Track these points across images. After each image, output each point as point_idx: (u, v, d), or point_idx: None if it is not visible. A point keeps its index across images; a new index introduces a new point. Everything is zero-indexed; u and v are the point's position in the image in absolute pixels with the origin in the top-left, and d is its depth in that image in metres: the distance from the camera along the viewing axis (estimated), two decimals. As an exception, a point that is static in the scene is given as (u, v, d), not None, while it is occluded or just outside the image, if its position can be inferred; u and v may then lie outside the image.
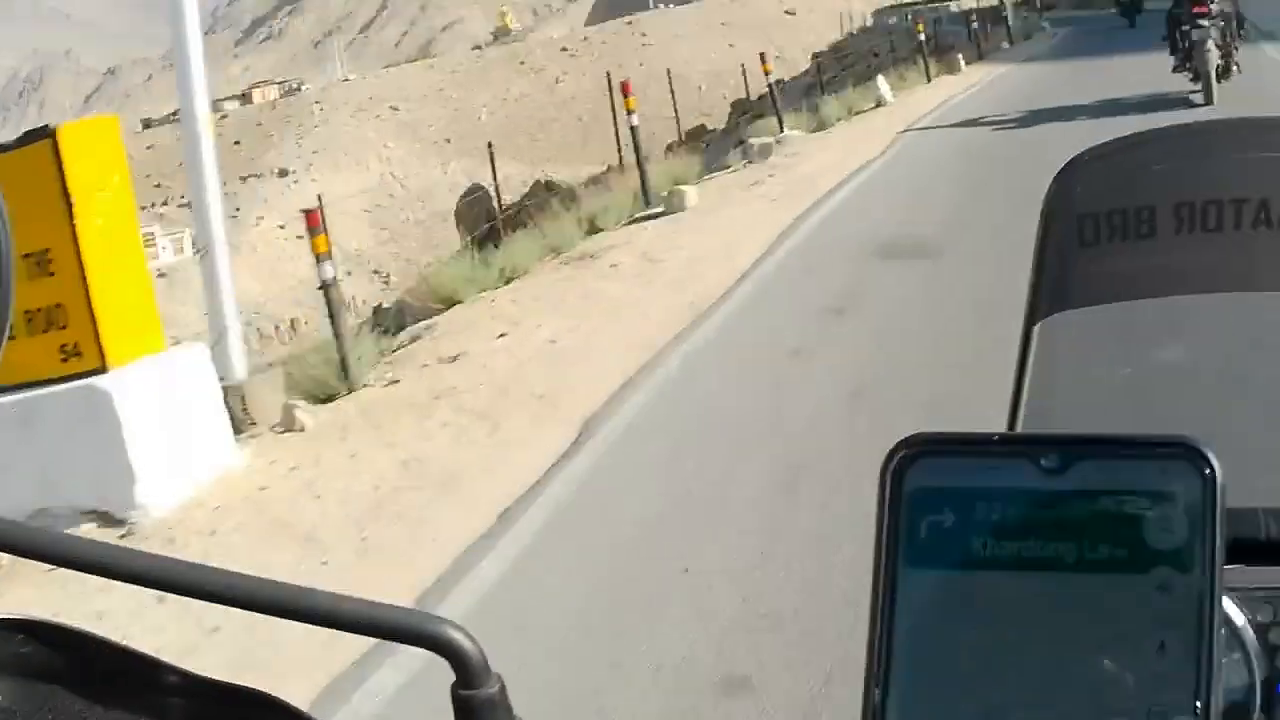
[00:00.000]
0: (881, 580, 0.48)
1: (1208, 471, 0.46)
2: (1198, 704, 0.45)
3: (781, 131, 16.81)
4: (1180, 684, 0.45)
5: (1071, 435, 0.48)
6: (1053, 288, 0.91)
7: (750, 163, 15.13)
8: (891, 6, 57.26)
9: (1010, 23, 32.01)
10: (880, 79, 20.64)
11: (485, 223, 15.66)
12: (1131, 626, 0.46)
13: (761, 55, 18.09)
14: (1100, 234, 0.90)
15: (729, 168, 15.41)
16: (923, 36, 23.43)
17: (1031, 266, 0.92)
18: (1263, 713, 0.75)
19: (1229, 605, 0.76)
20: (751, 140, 16.21)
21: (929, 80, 22.22)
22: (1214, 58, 12.53)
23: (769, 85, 17.91)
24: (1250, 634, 0.76)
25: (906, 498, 0.48)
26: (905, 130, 15.80)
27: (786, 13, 63.68)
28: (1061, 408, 0.89)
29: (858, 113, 18.84)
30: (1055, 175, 0.93)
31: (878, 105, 19.33)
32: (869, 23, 54.82)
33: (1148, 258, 0.90)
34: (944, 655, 0.47)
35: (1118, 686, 0.46)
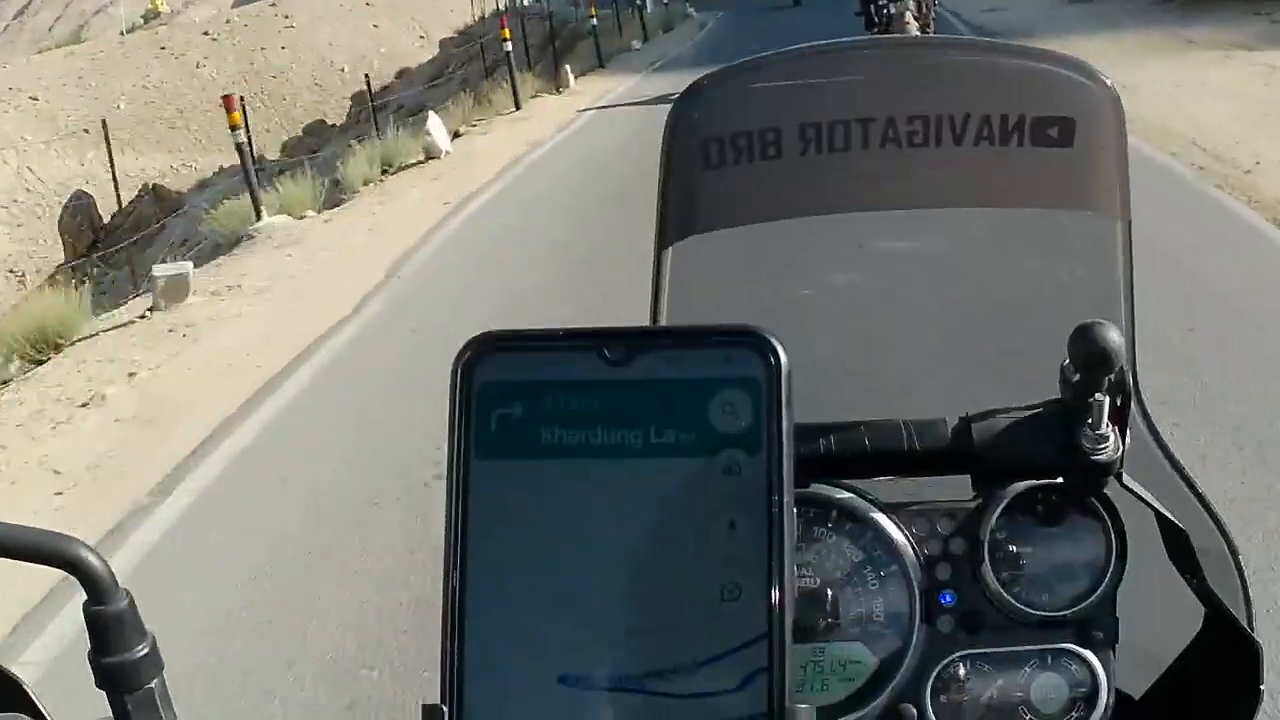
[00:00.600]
0: (455, 474, 0.48)
1: (772, 359, 0.48)
2: (770, 577, 0.47)
3: (257, 220, 10.10)
4: (752, 561, 0.47)
5: (636, 328, 0.49)
6: (680, 212, 0.91)
7: (143, 317, 7.62)
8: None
9: (646, 10, 26.33)
10: (433, 119, 13.41)
11: (90, 235, 14.40)
12: (701, 508, 0.47)
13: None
14: (726, 157, 0.90)
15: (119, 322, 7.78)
16: (509, 46, 15.96)
17: (658, 192, 0.92)
18: (924, 622, 0.80)
19: (884, 521, 0.80)
20: (158, 276, 7.95)
21: (518, 106, 15.89)
22: (914, 29, 12.65)
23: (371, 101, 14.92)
24: (908, 547, 0.80)
25: (476, 392, 0.49)
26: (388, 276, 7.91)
27: (431, -11, 61.16)
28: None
29: (403, 167, 12.51)
30: (677, 99, 0.92)
31: (426, 159, 12.78)
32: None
33: (775, 179, 0.91)
34: (518, 542, 0.48)
35: (690, 565, 0.47)
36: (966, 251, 0.94)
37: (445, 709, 0.47)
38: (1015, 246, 0.93)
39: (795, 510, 0.80)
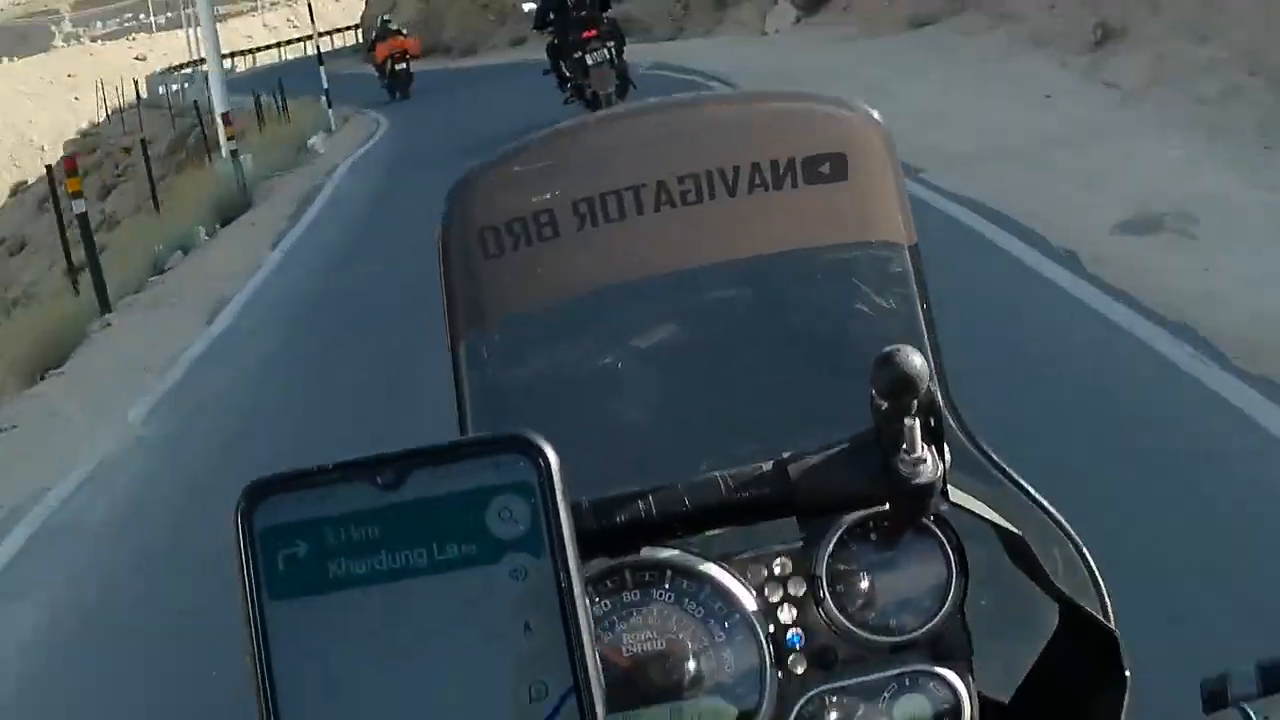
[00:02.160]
0: (252, 619, 0.48)
1: (540, 459, 0.49)
2: (574, 670, 0.47)
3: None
4: (553, 657, 0.48)
5: (404, 451, 0.50)
6: (467, 304, 0.91)
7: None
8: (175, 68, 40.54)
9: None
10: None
11: None
12: (494, 615, 0.48)
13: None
14: (504, 244, 0.90)
15: None
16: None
17: (442, 288, 0.91)
18: (775, 666, 0.79)
19: (719, 573, 0.80)
20: None
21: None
22: (612, 78, 12.84)
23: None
24: (747, 595, 0.80)
25: (258, 537, 0.49)
26: None
27: (137, 59, 56.29)
28: (501, 420, 0.90)
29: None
30: (447, 195, 0.92)
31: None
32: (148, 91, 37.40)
33: (557, 258, 0.91)
34: (322, 677, 0.48)
35: (494, 674, 0.48)
36: (764, 295, 0.95)
37: None
38: (810, 285, 0.93)
39: (629, 575, 0.80)
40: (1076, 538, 0.90)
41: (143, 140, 21.01)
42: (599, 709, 0.47)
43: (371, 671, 0.48)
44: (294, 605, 0.48)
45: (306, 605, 0.48)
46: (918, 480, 0.74)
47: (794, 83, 11.59)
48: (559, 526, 0.48)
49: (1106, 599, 0.89)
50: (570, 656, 0.47)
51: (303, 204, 14.36)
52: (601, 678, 0.49)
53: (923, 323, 0.88)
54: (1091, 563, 0.90)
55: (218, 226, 14.27)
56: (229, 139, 16.81)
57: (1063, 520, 0.90)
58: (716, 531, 0.80)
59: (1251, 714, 0.71)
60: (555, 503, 0.48)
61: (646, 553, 0.80)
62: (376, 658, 0.48)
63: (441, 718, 0.48)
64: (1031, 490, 0.90)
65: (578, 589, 0.48)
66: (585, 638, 0.48)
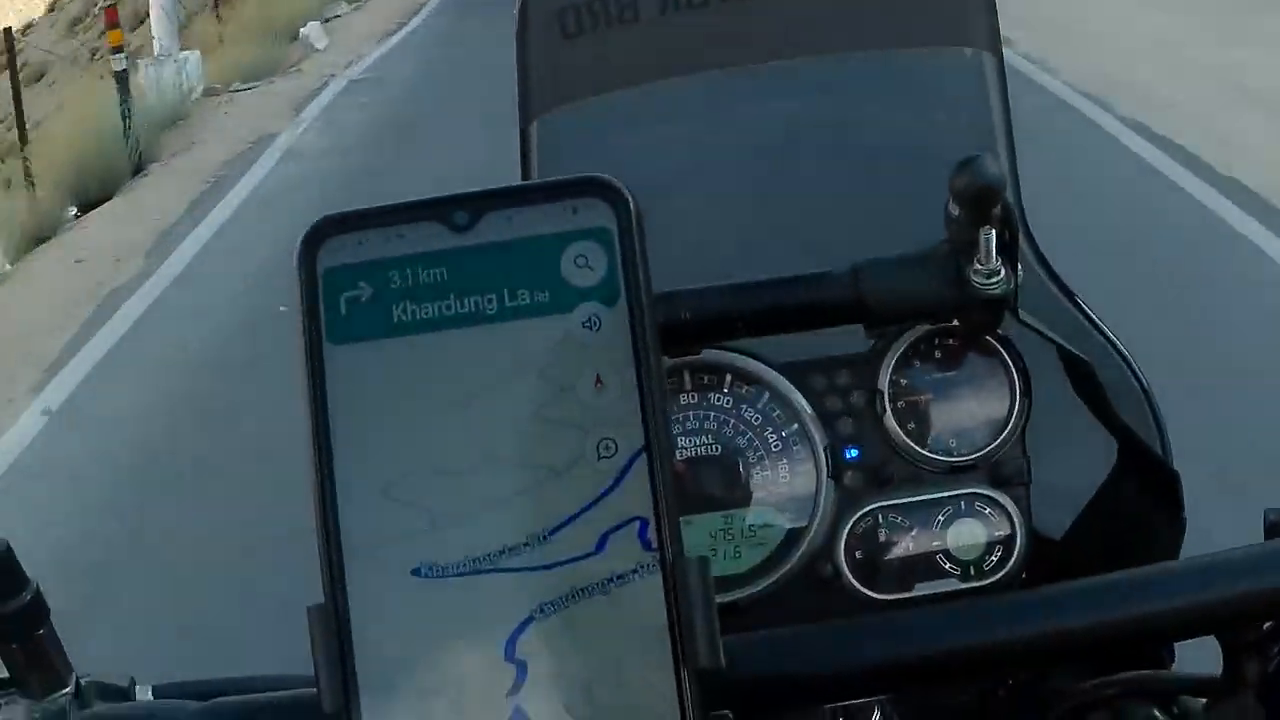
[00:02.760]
0: (310, 363, 0.47)
1: (621, 206, 0.47)
2: (646, 428, 0.45)
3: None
4: (624, 413, 0.46)
5: (478, 191, 0.47)
6: (542, 84, 0.90)
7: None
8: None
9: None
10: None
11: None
12: (564, 367, 0.46)
13: None
14: (583, 24, 0.88)
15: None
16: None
17: (517, 66, 0.90)
18: (831, 479, 0.78)
19: (781, 380, 0.79)
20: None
21: None
22: None
23: None
24: (807, 405, 0.79)
25: (322, 278, 0.47)
26: None
27: None
28: None
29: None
30: None
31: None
32: None
33: (634, 43, 0.89)
34: (380, 425, 0.46)
35: (560, 429, 0.46)
36: (841, 98, 0.93)
37: (330, 607, 0.45)
38: (889, 90, 0.91)
39: (689, 377, 0.79)
40: (1141, 374, 0.88)
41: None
42: (669, 469, 0.45)
43: (431, 419, 0.46)
44: (354, 349, 0.47)
45: (368, 350, 0.47)
46: (990, 292, 0.72)
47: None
48: (637, 275, 0.46)
49: (1167, 437, 0.88)
50: (643, 414, 0.45)
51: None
52: (672, 438, 0.47)
53: (1002, 134, 0.86)
54: (1154, 400, 0.88)
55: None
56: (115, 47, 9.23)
57: (1128, 354, 0.88)
58: (780, 337, 0.79)
59: None
60: (635, 251, 0.46)
61: (707, 354, 0.78)
62: (438, 405, 0.46)
63: (501, 471, 0.46)
64: (1099, 321, 0.88)
65: (653, 343, 0.46)
66: (658, 395, 0.46)
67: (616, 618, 0.45)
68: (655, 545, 0.45)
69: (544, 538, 0.45)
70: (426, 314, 0.47)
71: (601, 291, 0.46)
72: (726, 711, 0.47)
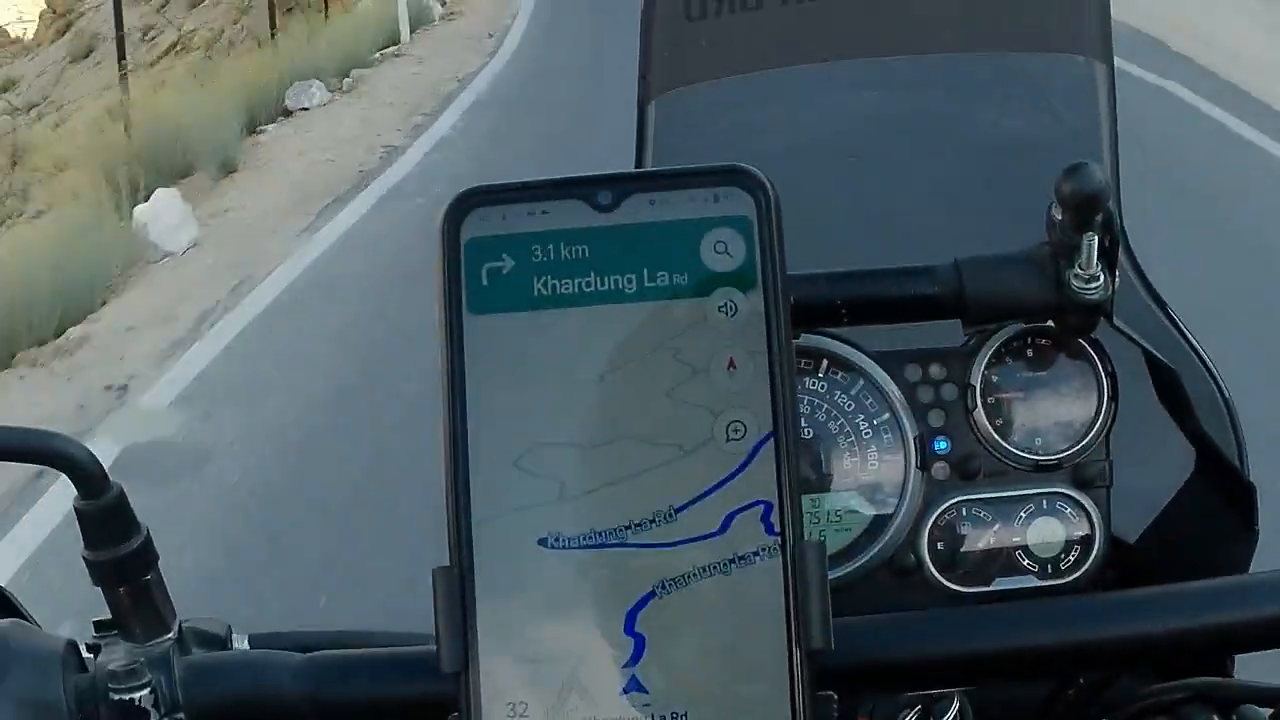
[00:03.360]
0: (448, 330, 0.48)
1: (761, 195, 0.48)
2: (775, 413, 0.47)
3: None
4: (755, 397, 0.47)
5: (624, 173, 0.49)
6: (663, 64, 0.91)
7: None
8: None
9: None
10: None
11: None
12: (700, 348, 0.47)
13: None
14: (707, 8, 0.89)
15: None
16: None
17: (640, 45, 0.91)
18: (919, 469, 0.79)
19: (875, 369, 0.80)
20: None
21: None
22: None
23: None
24: (899, 395, 0.80)
25: (465, 248, 0.48)
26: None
27: None
28: None
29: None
30: None
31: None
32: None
33: (757, 29, 0.90)
34: (515, 395, 0.48)
35: (693, 410, 0.47)
36: (952, 97, 0.93)
37: (456, 571, 0.47)
38: (999, 91, 0.92)
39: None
40: (1225, 387, 0.88)
41: None
42: (796, 455, 0.47)
43: (566, 392, 0.47)
44: (493, 320, 0.48)
45: (507, 321, 0.48)
46: (1089, 296, 0.73)
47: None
48: (774, 263, 0.47)
49: (1245, 451, 0.88)
50: (773, 398, 0.47)
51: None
52: (800, 424, 0.48)
53: (1108, 144, 0.86)
54: (1235, 413, 0.88)
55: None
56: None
57: (1214, 367, 0.88)
58: (878, 327, 0.79)
59: None
60: (773, 239, 0.47)
61: (805, 339, 0.79)
62: (572, 379, 0.48)
63: (632, 448, 0.47)
64: (1188, 331, 0.88)
65: (786, 330, 0.47)
66: (789, 382, 0.47)
67: (735, 597, 0.46)
68: (778, 529, 0.46)
69: (670, 516, 0.46)
70: (566, 290, 0.48)
71: (739, 278, 0.47)
72: (831, 693, 0.48)
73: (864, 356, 0.80)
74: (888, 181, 0.91)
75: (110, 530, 0.65)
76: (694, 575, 0.46)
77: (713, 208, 0.48)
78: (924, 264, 0.76)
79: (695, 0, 0.89)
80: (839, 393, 0.80)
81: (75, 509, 0.65)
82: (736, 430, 0.47)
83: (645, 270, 0.48)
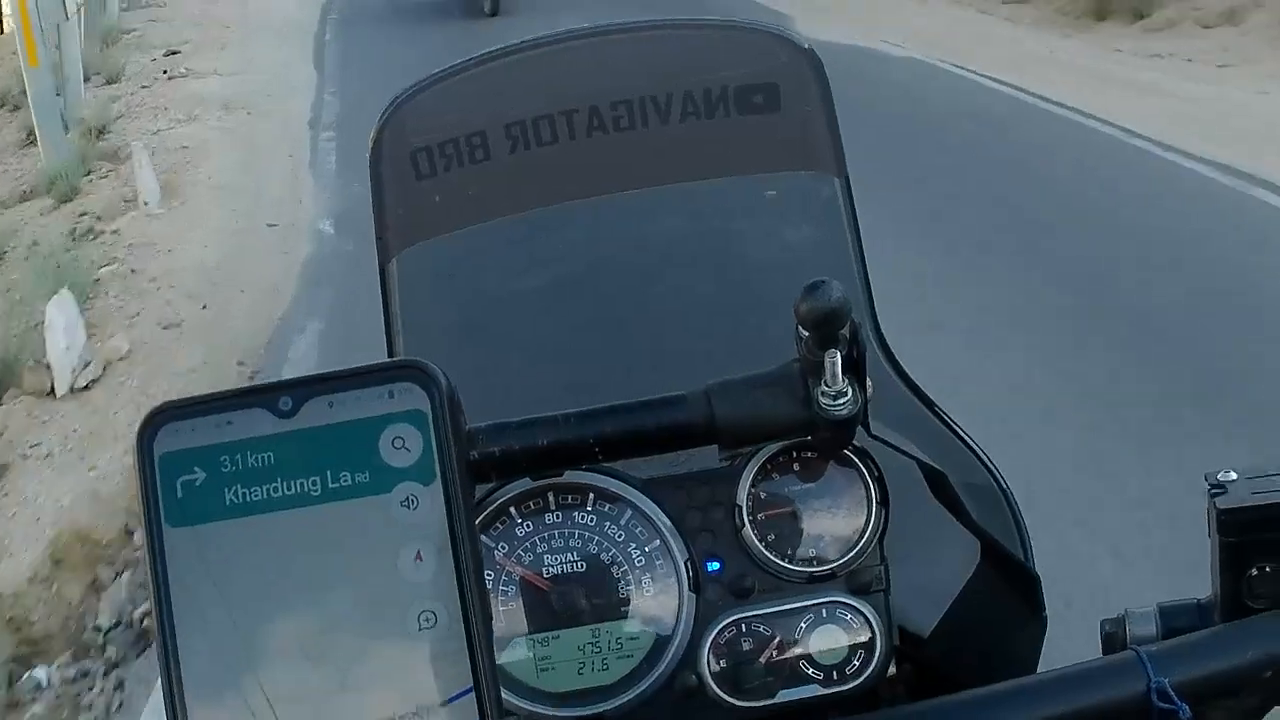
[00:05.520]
0: (151, 543, 0.49)
1: (434, 389, 0.50)
2: (463, 600, 0.48)
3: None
4: (444, 586, 0.49)
5: (301, 377, 0.50)
6: (398, 224, 0.92)
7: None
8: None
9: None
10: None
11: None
12: (386, 544, 0.49)
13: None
14: (436, 165, 0.91)
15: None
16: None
17: (373, 208, 0.92)
18: (693, 592, 0.80)
19: (641, 498, 0.81)
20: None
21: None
22: None
23: None
24: (667, 521, 0.81)
25: (159, 463, 0.50)
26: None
27: None
28: (427, 342, 0.91)
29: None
30: (380, 116, 0.93)
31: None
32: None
33: (488, 180, 0.91)
34: (218, 603, 0.49)
35: (385, 603, 0.49)
36: (694, 223, 0.95)
37: None
38: (740, 215, 0.94)
39: (553, 497, 0.81)
40: (1000, 474, 0.91)
41: None
42: (487, 638, 0.48)
43: (267, 598, 0.49)
44: (191, 532, 0.49)
45: (204, 532, 0.49)
46: (838, 413, 0.74)
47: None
48: (450, 456, 0.49)
49: (1027, 538, 0.91)
50: (460, 586, 0.48)
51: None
52: (490, 607, 0.50)
53: (852, 254, 0.89)
54: (1014, 500, 0.91)
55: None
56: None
57: (986, 456, 0.91)
58: (638, 459, 0.81)
59: (1146, 660, 0.70)
60: (447, 432, 0.49)
61: (570, 475, 0.80)
62: (271, 585, 0.49)
63: (335, 645, 0.48)
64: (956, 425, 0.91)
65: (467, 519, 0.49)
66: (474, 566, 0.49)
67: None
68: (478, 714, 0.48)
69: (388, 703, 0.48)
70: (256, 497, 0.49)
71: (418, 471, 0.49)
72: None
73: (628, 487, 0.81)
74: (641, 311, 0.92)
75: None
76: None
77: (388, 404, 0.49)
78: (678, 393, 0.78)
79: (423, 160, 0.91)
80: (608, 524, 0.81)
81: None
82: (428, 619, 0.48)
83: (329, 472, 0.49)
